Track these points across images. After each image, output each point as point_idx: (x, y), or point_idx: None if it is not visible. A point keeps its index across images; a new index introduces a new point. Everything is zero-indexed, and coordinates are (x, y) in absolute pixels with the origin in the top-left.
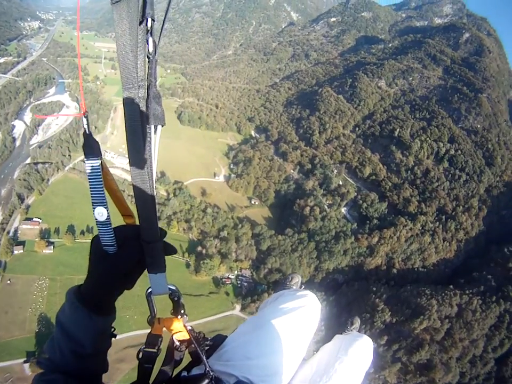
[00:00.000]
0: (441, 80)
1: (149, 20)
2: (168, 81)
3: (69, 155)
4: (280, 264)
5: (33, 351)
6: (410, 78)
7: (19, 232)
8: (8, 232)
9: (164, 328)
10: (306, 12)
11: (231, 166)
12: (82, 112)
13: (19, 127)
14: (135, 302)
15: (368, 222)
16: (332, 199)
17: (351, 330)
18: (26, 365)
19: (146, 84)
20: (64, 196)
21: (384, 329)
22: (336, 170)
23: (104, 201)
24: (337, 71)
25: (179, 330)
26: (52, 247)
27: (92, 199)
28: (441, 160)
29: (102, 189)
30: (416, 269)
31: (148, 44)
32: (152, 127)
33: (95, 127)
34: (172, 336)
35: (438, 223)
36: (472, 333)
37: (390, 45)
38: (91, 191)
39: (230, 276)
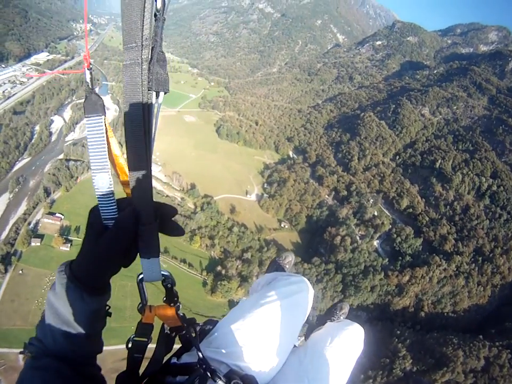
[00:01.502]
0: (486, 110)
1: None
2: (210, 94)
3: None
4: None
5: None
6: (455, 107)
7: (40, 225)
8: (29, 223)
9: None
10: (352, 34)
11: (265, 186)
12: (86, 65)
13: (57, 123)
14: None
15: (400, 258)
16: (365, 230)
17: (340, 315)
18: (21, 356)
19: (151, 45)
20: (90, 195)
21: (403, 378)
22: (372, 200)
23: (107, 167)
24: (380, 96)
25: (172, 318)
26: (70, 245)
27: (92, 165)
28: (482, 196)
29: (105, 152)
30: (445, 314)
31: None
32: (154, 93)
33: None
34: (163, 324)
35: (474, 264)
36: None
37: (435, 71)
38: (91, 154)
39: None
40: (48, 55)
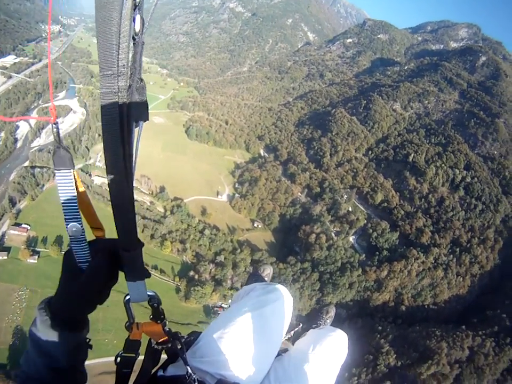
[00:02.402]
0: (458, 104)
1: None
2: (180, 94)
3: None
4: None
5: (5, 363)
6: (426, 102)
7: (6, 237)
8: None
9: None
10: (322, 33)
11: (236, 185)
12: (52, 118)
13: (23, 128)
14: (116, 325)
15: (377, 253)
16: (340, 226)
17: (326, 319)
18: None
19: (129, 72)
20: (57, 204)
21: (388, 374)
22: (346, 196)
23: (78, 216)
24: (351, 92)
25: (159, 334)
26: (37, 256)
27: (65, 215)
28: (456, 188)
29: (75, 203)
30: (426, 306)
31: (134, 21)
32: (134, 123)
33: (99, 134)
34: (150, 339)
35: (451, 256)
36: (483, 379)
37: (406, 68)
38: (63, 206)
39: (223, 305)
40: (15, 58)
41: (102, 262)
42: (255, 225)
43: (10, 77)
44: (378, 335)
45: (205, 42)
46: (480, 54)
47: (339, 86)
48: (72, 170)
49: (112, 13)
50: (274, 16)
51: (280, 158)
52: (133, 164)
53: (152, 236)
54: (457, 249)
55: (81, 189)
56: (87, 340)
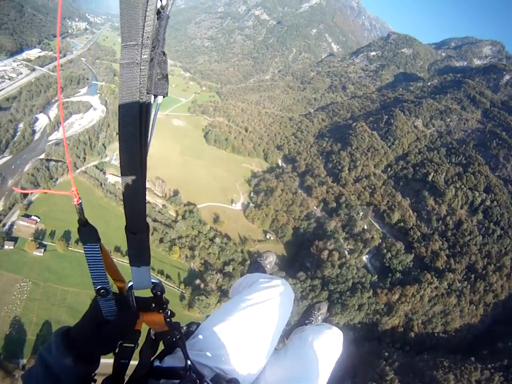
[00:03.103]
0: (480, 124)
1: None
2: (201, 98)
3: (84, 157)
4: None
5: None
6: (448, 119)
7: (14, 227)
8: (3, 225)
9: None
10: (346, 45)
11: (251, 195)
12: (75, 200)
13: (42, 121)
14: None
15: (390, 275)
16: (354, 244)
17: (318, 316)
18: None
19: (152, 45)
20: (69, 199)
21: None
22: (362, 213)
23: (106, 281)
24: (373, 106)
25: (160, 324)
26: (43, 250)
27: (93, 280)
28: (475, 211)
29: (103, 271)
30: (436, 334)
31: None
32: (152, 97)
33: (117, 133)
34: (150, 329)
35: (466, 282)
36: None
37: (429, 83)
38: (92, 273)
39: None
40: (40, 52)
41: (127, 319)
42: (268, 236)
43: (33, 70)
44: (384, 362)
45: (229, 48)
46: (504, 73)
47: (361, 99)
48: (98, 244)
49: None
50: (299, 25)
51: (298, 170)
52: (149, 140)
53: (161, 240)
54: (472, 276)
55: (107, 255)
56: (94, 375)
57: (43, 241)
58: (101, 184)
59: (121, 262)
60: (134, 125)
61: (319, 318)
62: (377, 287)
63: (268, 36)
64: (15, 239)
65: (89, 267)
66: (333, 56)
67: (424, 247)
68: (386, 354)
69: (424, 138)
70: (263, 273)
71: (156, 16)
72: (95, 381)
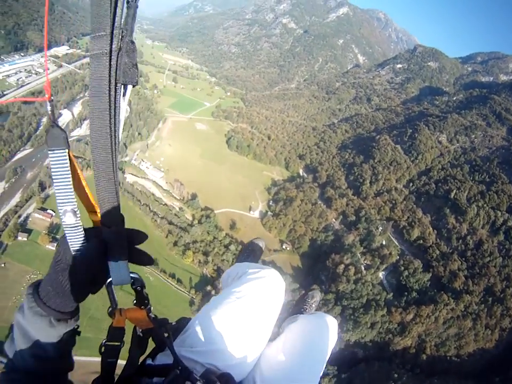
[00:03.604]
0: (505, 141)
1: None
2: (225, 104)
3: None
4: None
5: (3, 341)
6: (473, 136)
7: (29, 219)
8: (19, 216)
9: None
10: (373, 56)
11: (270, 203)
12: (46, 97)
13: (66, 117)
14: None
15: (406, 293)
16: (371, 259)
17: (312, 304)
18: None
19: (121, 34)
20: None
21: None
22: (381, 228)
23: (72, 200)
24: (397, 120)
25: (143, 321)
26: (56, 244)
27: (58, 198)
28: (496, 231)
29: (69, 186)
30: (448, 358)
31: None
32: (122, 86)
33: (139, 133)
34: (135, 326)
35: (483, 305)
36: None
37: (455, 98)
38: (56, 189)
39: None
40: (68, 49)
41: (95, 246)
42: (284, 246)
43: (61, 66)
44: None
45: (255, 55)
46: None
47: (385, 112)
48: (67, 150)
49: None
50: (326, 35)
51: (319, 180)
52: (119, 130)
53: (175, 243)
54: (490, 299)
55: (78, 171)
56: (76, 327)
57: (57, 236)
58: (120, 183)
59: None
60: (104, 115)
61: (313, 306)
62: (391, 306)
63: (295, 44)
64: (29, 231)
65: (54, 181)
66: (359, 67)
67: (442, 266)
68: (396, 376)
69: (447, 154)
70: (252, 262)
71: (126, 5)
72: (79, 333)
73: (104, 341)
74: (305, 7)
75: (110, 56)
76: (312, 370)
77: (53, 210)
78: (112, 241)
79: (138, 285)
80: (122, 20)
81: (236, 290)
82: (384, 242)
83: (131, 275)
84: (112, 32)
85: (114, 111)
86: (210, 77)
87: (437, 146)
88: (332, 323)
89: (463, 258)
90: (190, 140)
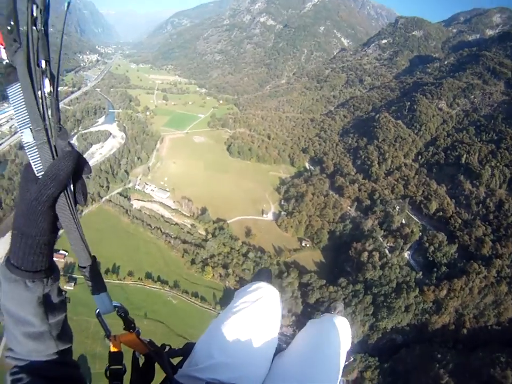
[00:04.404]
0: (505, 95)
1: (42, 62)
2: (220, 112)
3: (107, 186)
4: None
5: None
6: (472, 96)
7: None
8: None
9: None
10: (356, 37)
11: (282, 202)
12: None
13: None
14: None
15: (435, 269)
16: (394, 241)
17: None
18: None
19: (52, 123)
20: (95, 229)
21: None
22: (398, 207)
23: (28, 123)
24: (393, 95)
25: (136, 344)
26: (73, 283)
27: (17, 122)
28: None
29: (25, 110)
30: (489, 327)
31: (44, 86)
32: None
33: (138, 158)
34: (135, 352)
35: None
36: None
37: (446, 62)
38: (15, 114)
39: None
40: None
41: (64, 160)
42: (303, 244)
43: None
44: (438, 364)
45: (240, 58)
46: None
47: (380, 90)
48: (18, 84)
49: (27, 83)
50: (306, 25)
51: (327, 171)
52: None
53: (192, 261)
54: None
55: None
56: (62, 292)
57: (73, 275)
58: (126, 211)
59: (154, 288)
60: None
61: None
62: (423, 285)
63: (277, 40)
64: None
65: (13, 108)
66: (345, 51)
67: (467, 234)
68: (439, 356)
69: (450, 120)
70: (267, 279)
71: (46, 102)
72: (68, 299)
73: (107, 366)
74: (280, 1)
75: (50, 144)
76: (323, 373)
77: (65, 250)
78: (90, 279)
79: (121, 312)
80: (49, 112)
81: (233, 305)
82: (403, 221)
83: (114, 304)
84: (45, 126)
85: (67, 190)
86: (200, 88)
87: (438, 114)
88: (340, 324)
89: (486, 222)
90: (190, 154)
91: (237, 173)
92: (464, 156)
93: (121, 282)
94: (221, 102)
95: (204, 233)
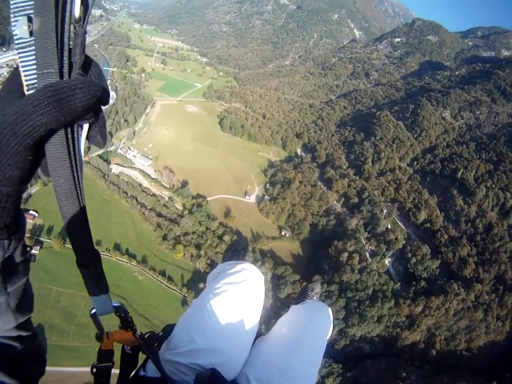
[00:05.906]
0: (511, 118)
1: None
2: (218, 84)
3: (88, 147)
4: None
5: None
6: (478, 112)
7: None
8: None
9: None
10: (369, 31)
11: (267, 186)
12: None
13: None
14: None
15: (414, 283)
16: (376, 245)
17: (313, 296)
18: None
19: (67, 66)
20: None
21: None
22: (386, 210)
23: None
24: (398, 95)
25: (130, 341)
26: (39, 247)
27: (12, 8)
28: (506, 214)
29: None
30: (458, 352)
31: (73, 4)
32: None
33: (125, 120)
34: (123, 346)
35: (494, 295)
36: None
37: (457, 73)
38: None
39: None
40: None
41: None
42: (283, 233)
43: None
44: (401, 383)
45: (247, 33)
46: None
47: (385, 87)
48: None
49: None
50: (320, 10)
51: (318, 160)
52: (81, 170)
53: (164, 237)
54: (501, 287)
55: None
56: (27, 249)
57: (40, 238)
58: (104, 175)
59: (121, 261)
60: (63, 157)
61: (314, 298)
62: (399, 297)
63: (288, 20)
64: None
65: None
66: (355, 42)
67: (451, 252)
68: (404, 374)
69: (452, 131)
70: (243, 251)
71: (72, 35)
72: (33, 257)
73: (95, 363)
74: None
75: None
76: (305, 358)
77: (35, 211)
78: (92, 281)
79: (121, 312)
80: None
81: (213, 288)
82: (389, 226)
83: (113, 304)
84: (61, 69)
85: (75, 152)
86: (201, 57)
87: (441, 123)
88: (323, 310)
89: (472, 243)
90: (180, 123)
91: (225, 148)
92: (461, 170)
93: None
94: (221, 73)
95: (180, 208)
